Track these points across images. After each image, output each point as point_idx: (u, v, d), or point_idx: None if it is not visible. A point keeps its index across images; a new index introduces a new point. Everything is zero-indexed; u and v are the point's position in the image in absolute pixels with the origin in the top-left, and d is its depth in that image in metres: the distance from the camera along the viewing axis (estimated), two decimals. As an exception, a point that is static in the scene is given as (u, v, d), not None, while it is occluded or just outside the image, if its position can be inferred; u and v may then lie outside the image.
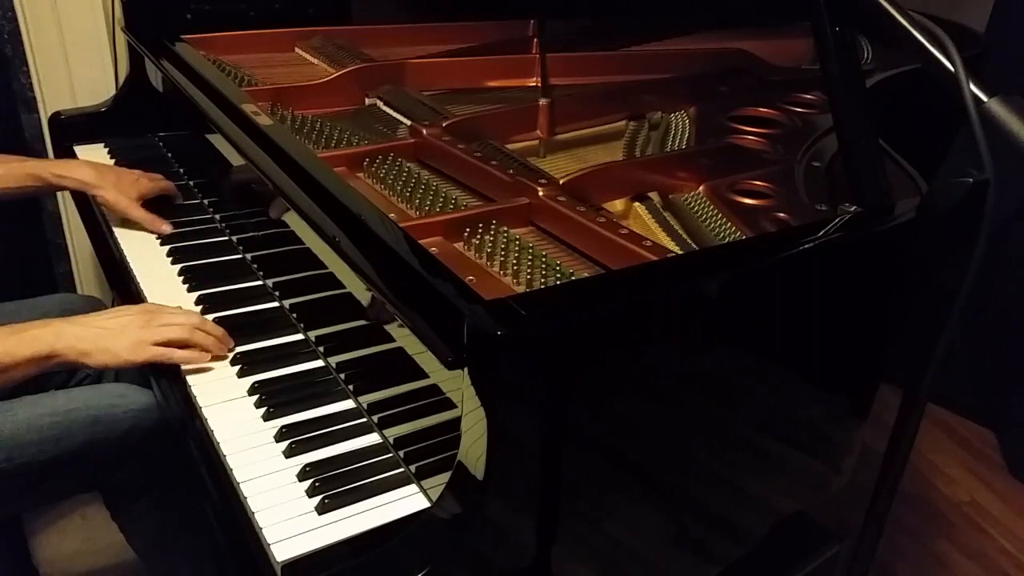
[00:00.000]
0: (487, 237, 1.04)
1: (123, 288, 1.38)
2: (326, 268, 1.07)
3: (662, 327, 0.86)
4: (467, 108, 1.43)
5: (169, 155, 1.74)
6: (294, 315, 1.22)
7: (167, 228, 1.45)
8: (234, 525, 0.94)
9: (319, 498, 0.90)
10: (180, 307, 1.19)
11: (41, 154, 1.94)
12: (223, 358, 1.13)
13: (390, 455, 0.97)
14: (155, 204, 1.51)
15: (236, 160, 1.32)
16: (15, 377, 1.06)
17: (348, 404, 1.05)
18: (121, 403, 1.21)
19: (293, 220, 1.16)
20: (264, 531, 0.87)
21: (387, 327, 0.96)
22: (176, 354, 1.09)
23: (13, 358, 1.04)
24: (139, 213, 1.45)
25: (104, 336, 1.08)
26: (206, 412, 1.04)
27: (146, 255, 1.40)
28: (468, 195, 1.18)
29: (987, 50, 1.80)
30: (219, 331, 1.14)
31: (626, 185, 1.21)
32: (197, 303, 1.25)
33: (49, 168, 1.46)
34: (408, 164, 1.24)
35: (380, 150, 1.26)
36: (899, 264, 1.06)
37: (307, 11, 1.80)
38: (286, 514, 0.89)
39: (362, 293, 1.00)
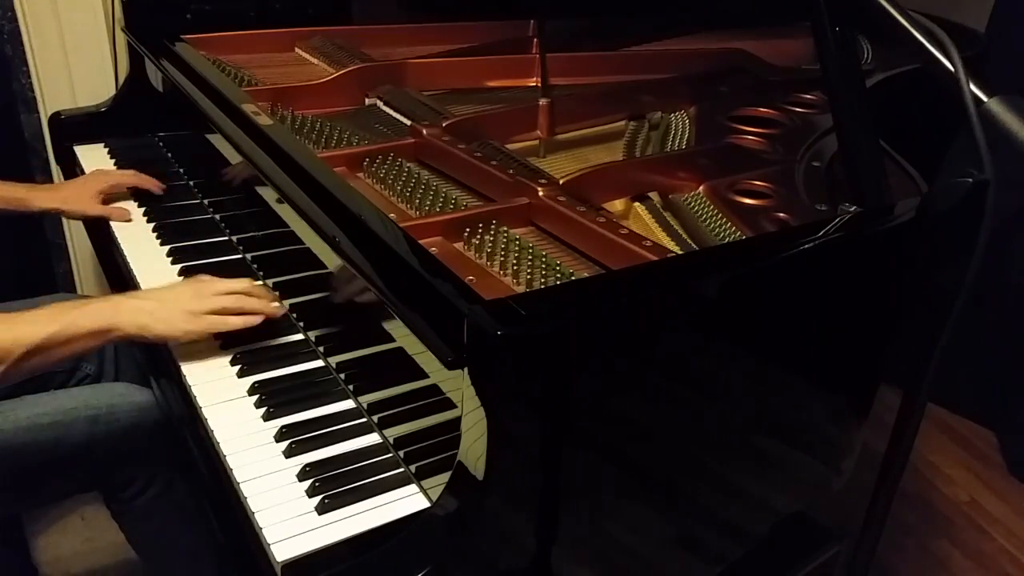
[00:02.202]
0: (487, 237, 1.04)
1: (123, 288, 1.37)
2: (326, 268, 1.07)
3: (662, 327, 0.86)
4: (467, 108, 1.43)
5: (169, 155, 1.74)
6: (294, 315, 1.22)
7: (128, 215, 1.50)
8: (234, 525, 0.94)
9: (319, 498, 0.90)
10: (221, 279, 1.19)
11: (41, 154, 1.95)
12: (224, 355, 1.13)
13: (390, 455, 0.97)
14: (153, 201, 1.52)
15: (236, 160, 1.32)
16: (76, 350, 1.06)
17: (348, 404, 1.05)
18: (121, 402, 1.21)
19: (293, 220, 1.16)
20: (264, 531, 0.87)
21: (387, 327, 0.96)
22: (231, 320, 1.11)
23: (77, 330, 1.04)
24: (96, 210, 1.51)
25: (160, 308, 1.09)
26: (206, 412, 1.04)
27: (146, 255, 1.40)
28: (468, 195, 1.18)
29: (987, 50, 1.80)
30: (266, 293, 1.16)
31: (626, 185, 1.21)
32: (197, 303, 1.25)
33: (11, 192, 1.50)
34: (408, 164, 1.24)
35: (380, 150, 1.26)
36: (899, 264, 1.06)
37: (307, 11, 1.80)
38: (286, 514, 0.89)
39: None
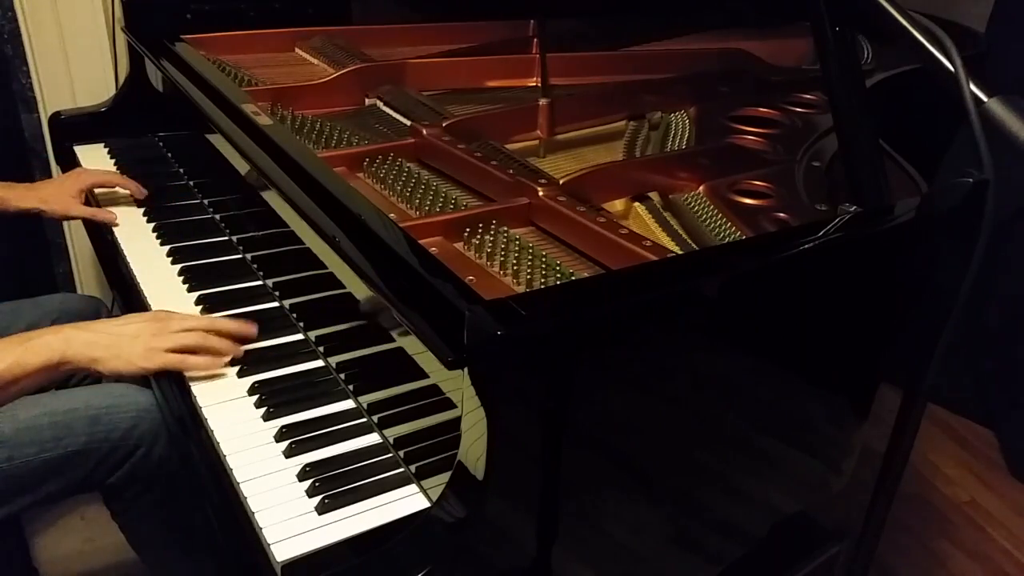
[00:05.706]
0: (487, 237, 1.04)
1: (123, 288, 1.38)
2: (326, 268, 1.07)
3: (662, 327, 0.86)
4: (467, 108, 1.43)
5: (169, 155, 1.74)
6: (294, 315, 1.22)
7: (112, 217, 1.47)
8: (234, 525, 0.94)
9: (319, 498, 0.90)
10: (189, 313, 1.17)
11: (41, 154, 1.95)
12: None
13: (390, 455, 0.97)
14: (153, 201, 1.52)
15: (236, 160, 1.32)
16: (27, 386, 1.05)
17: (348, 404, 1.05)
18: (121, 403, 1.21)
19: (293, 220, 1.16)
20: (264, 531, 0.87)
21: (386, 327, 0.96)
22: (190, 360, 1.08)
23: (24, 368, 1.02)
24: (78, 211, 1.48)
25: (117, 342, 1.07)
26: (206, 412, 1.04)
27: (146, 255, 1.40)
28: (468, 195, 1.18)
29: (987, 50, 1.80)
30: (233, 326, 1.12)
31: (626, 185, 1.21)
32: (197, 303, 1.25)
33: None
34: (408, 164, 1.24)
35: (380, 150, 1.26)
36: (899, 264, 1.06)
37: (307, 11, 1.80)
38: (286, 514, 0.89)
39: (360, 291, 1.00)
